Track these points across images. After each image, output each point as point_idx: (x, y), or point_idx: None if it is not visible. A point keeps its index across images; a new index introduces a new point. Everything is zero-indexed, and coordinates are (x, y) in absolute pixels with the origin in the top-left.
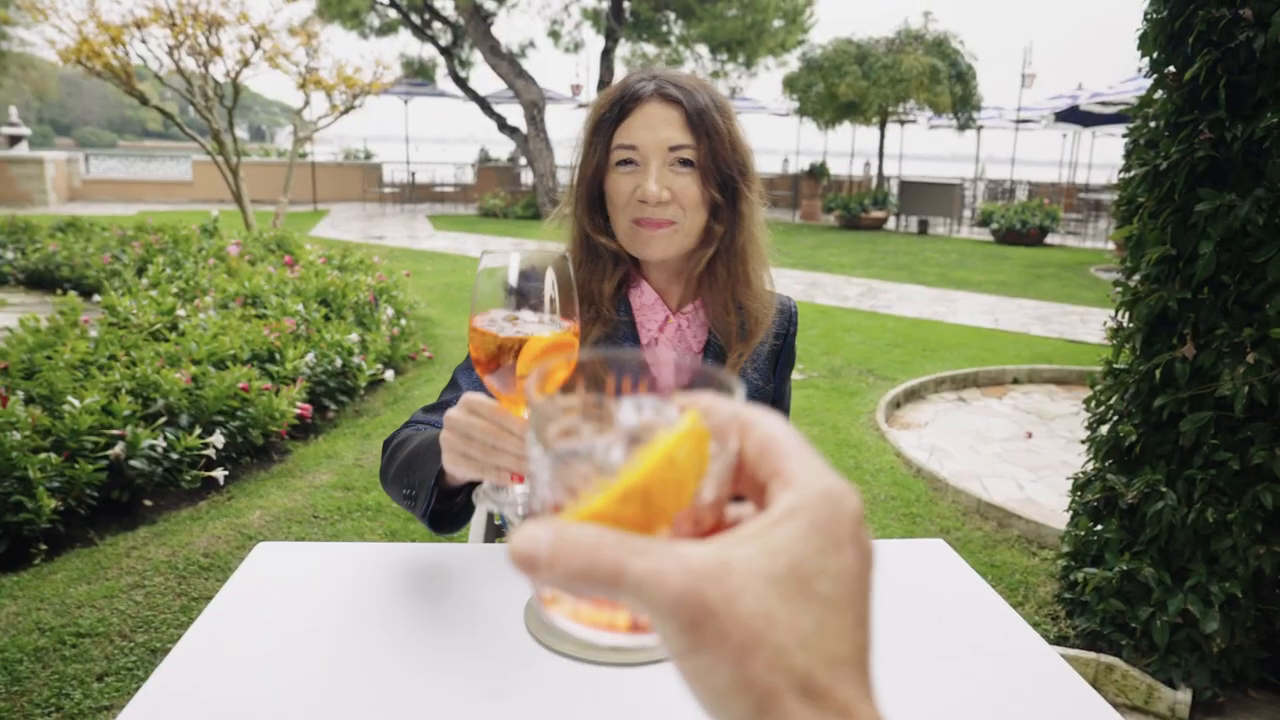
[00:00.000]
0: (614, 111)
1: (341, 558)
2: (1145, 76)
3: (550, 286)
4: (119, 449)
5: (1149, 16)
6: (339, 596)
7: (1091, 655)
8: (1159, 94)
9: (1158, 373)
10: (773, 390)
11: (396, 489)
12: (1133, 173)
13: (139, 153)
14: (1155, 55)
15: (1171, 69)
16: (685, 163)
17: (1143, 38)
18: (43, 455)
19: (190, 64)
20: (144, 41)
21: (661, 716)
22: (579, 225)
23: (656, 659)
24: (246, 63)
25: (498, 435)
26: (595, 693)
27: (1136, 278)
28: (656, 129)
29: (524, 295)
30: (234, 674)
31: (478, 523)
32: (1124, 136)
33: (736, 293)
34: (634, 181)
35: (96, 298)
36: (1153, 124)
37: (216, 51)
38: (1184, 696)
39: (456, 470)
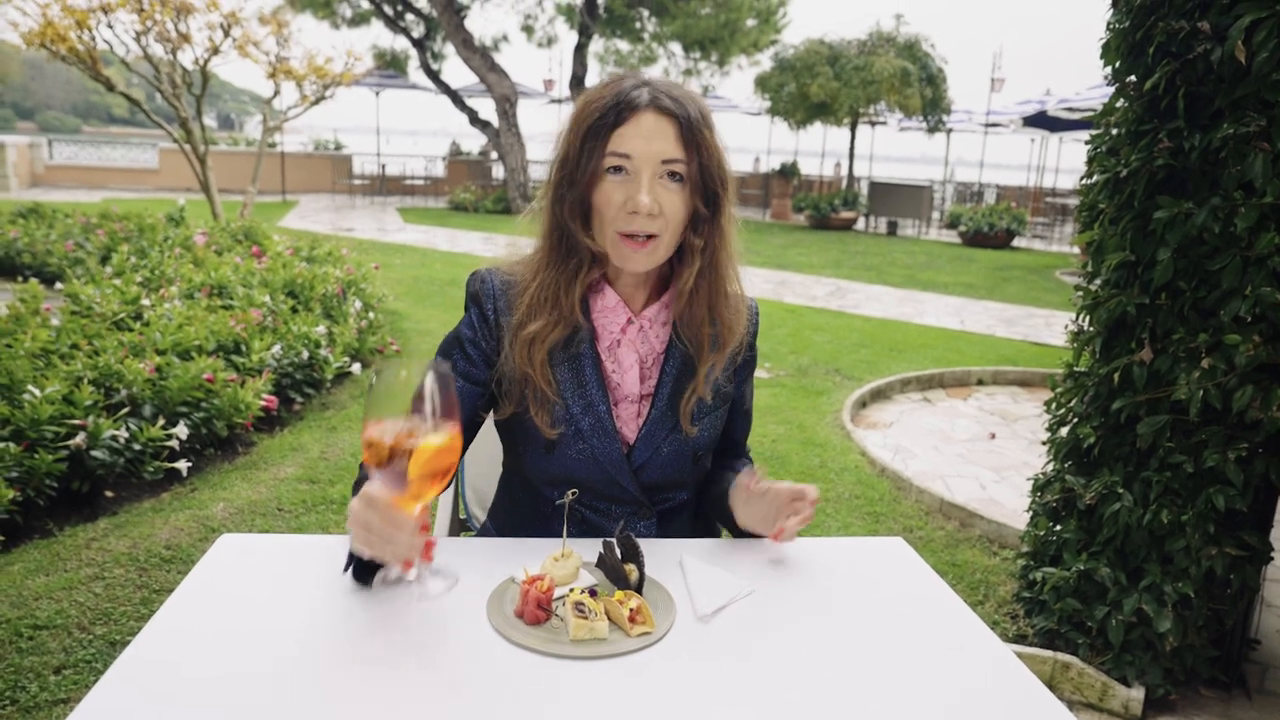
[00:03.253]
0: (609, 117)
1: (305, 549)
2: (1108, 85)
3: (432, 393)
4: (80, 439)
5: (1111, 26)
6: (302, 588)
7: (1049, 654)
8: (1120, 102)
9: (1116, 376)
10: (733, 390)
11: None
12: (1094, 179)
13: (104, 139)
14: (1117, 64)
15: (1132, 78)
16: (674, 176)
17: (1105, 47)
18: (1, 445)
19: (158, 50)
20: (110, 26)
21: (620, 710)
22: (557, 225)
23: (616, 654)
24: (216, 50)
25: (389, 526)
26: (556, 686)
27: (1097, 282)
28: (651, 140)
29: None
30: (195, 665)
31: (442, 517)
32: (1087, 143)
33: (714, 305)
34: (624, 191)
35: (59, 286)
36: (1114, 132)
37: (185, 38)
38: (1137, 694)
39: (359, 551)
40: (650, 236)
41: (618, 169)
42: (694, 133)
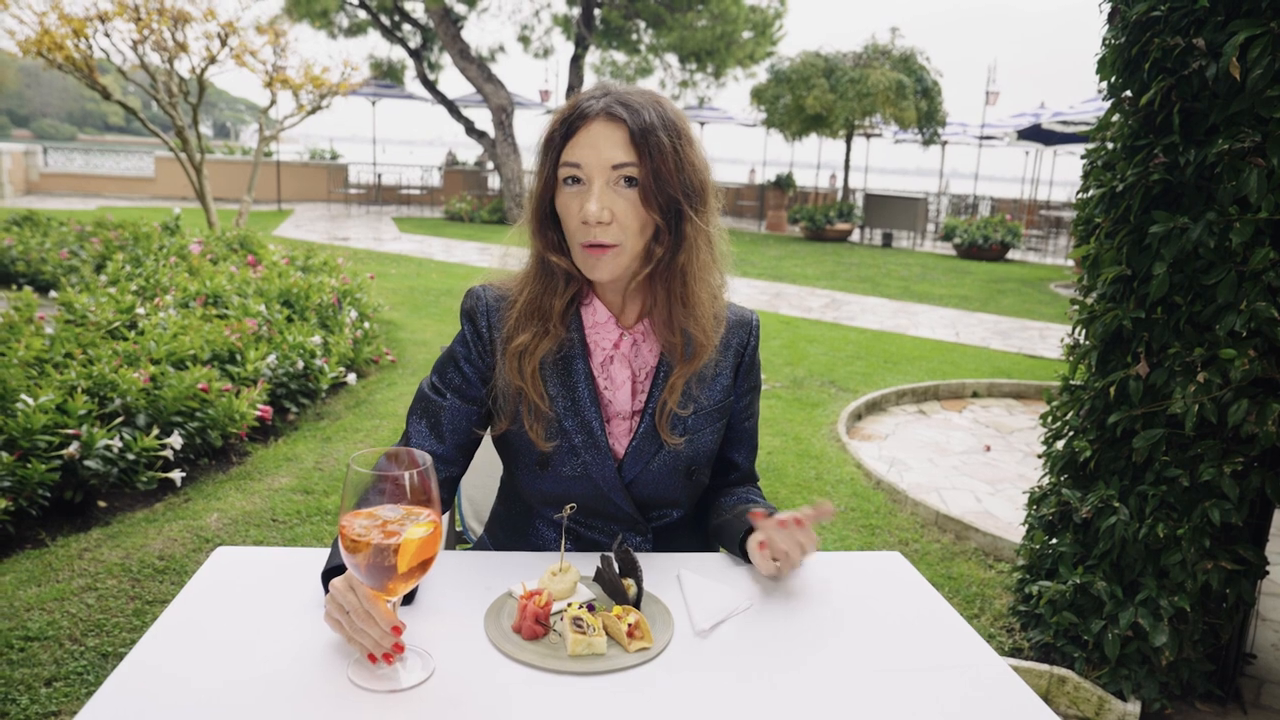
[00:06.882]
0: (562, 129)
1: (300, 563)
2: (1104, 100)
3: (410, 481)
4: (73, 449)
5: (1107, 42)
6: (298, 603)
7: (1045, 667)
8: (1116, 117)
9: (1112, 390)
10: (733, 404)
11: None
12: (1090, 193)
13: (100, 147)
14: (1113, 79)
15: (1128, 93)
16: (628, 181)
17: (1101, 62)
18: None
19: (155, 59)
20: (107, 35)
21: None
22: (532, 242)
23: (614, 669)
24: (213, 59)
25: (364, 620)
26: (553, 703)
27: (1093, 296)
28: (600, 148)
29: (390, 492)
30: (189, 679)
31: None
32: (1083, 157)
33: (674, 315)
34: (579, 201)
35: (53, 294)
36: (1110, 146)
37: (182, 47)
38: (1133, 708)
39: (332, 628)
40: (612, 245)
41: (574, 179)
42: (646, 137)
